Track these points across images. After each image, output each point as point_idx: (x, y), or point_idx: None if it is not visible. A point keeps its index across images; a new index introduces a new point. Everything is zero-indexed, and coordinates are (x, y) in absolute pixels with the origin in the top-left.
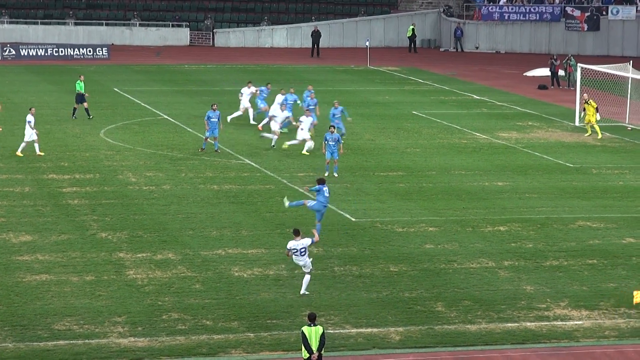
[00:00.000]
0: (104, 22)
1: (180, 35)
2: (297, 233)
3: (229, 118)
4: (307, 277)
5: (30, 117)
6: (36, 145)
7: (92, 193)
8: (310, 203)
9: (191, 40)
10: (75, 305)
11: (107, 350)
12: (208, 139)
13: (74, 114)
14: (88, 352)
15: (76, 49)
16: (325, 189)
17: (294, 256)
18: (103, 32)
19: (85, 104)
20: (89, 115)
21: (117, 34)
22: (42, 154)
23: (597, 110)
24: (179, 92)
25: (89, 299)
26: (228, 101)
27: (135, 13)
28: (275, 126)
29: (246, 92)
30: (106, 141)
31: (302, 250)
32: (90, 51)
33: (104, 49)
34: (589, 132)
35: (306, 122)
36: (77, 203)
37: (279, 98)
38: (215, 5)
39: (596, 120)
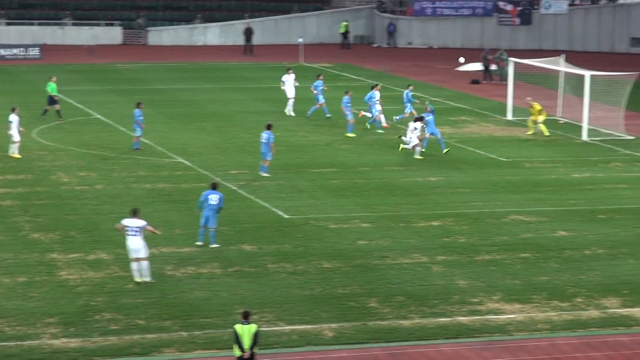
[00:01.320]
0: (36, 21)
1: (113, 34)
2: (134, 212)
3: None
4: (144, 264)
5: (13, 117)
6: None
7: (24, 194)
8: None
9: (124, 39)
10: (7, 307)
11: (40, 352)
12: (139, 138)
13: (44, 113)
14: (20, 354)
15: (8, 49)
16: (213, 196)
17: (127, 237)
18: (35, 31)
19: (57, 106)
20: (59, 116)
21: (49, 34)
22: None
23: (541, 111)
24: (111, 91)
25: (21, 300)
26: (161, 99)
27: (67, 12)
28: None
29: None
30: (38, 141)
31: (137, 230)
32: (22, 51)
33: (36, 48)
34: (532, 130)
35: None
36: (8, 204)
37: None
38: (147, 4)
39: (541, 121)
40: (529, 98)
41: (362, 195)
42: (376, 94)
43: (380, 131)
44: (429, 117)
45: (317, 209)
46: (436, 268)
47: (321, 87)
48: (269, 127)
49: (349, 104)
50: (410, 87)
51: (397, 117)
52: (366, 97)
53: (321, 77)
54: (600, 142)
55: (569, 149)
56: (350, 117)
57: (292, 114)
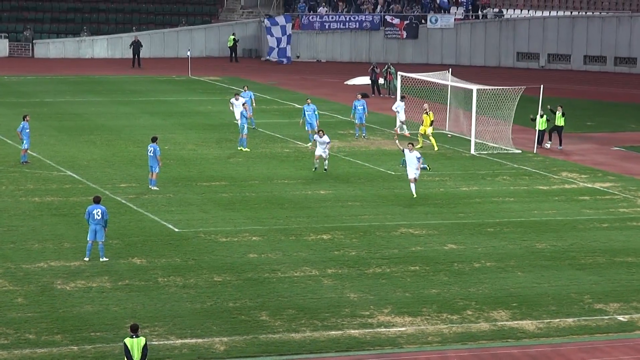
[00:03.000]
0: None
1: None
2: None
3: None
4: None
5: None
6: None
7: None
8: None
9: (10, 51)
10: None
11: None
12: (27, 151)
13: None
14: None
15: None
16: (96, 211)
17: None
18: None
19: None
20: None
21: None
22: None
23: (431, 123)
24: None
25: None
26: (49, 112)
27: None
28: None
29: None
30: None
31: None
32: None
33: None
34: (421, 143)
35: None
36: None
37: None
38: (34, 16)
39: (430, 133)
40: (425, 105)
41: (252, 208)
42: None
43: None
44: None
45: (207, 222)
46: (327, 281)
47: (249, 99)
48: (154, 140)
49: (245, 117)
50: (308, 101)
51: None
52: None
53: (246, 88)
54: (488, 155)
55: (458, 162)
56: (245, 132)
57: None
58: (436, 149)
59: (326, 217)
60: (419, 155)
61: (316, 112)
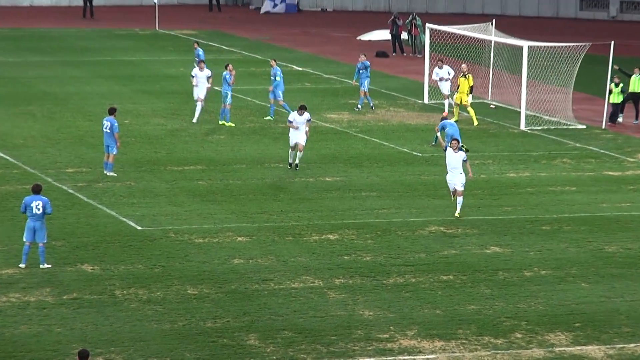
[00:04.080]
0: None
1: None
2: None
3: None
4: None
5: None
6: None
7: None
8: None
9: None
10: None
11: None
12: None
13: None
14: None
15: None
16: (36, 203)
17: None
18: None
19: None
20: None
21: None
22: None
23: (471, 90)
24: None
25: None
26: None
27: None
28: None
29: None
30: None
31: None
32: None
33: None
34: (456, 116)
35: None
36: None
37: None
38: None
39: (469, 103)
40: (464, 66)
41: (237, 200)
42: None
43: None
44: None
45: (179, 219)
46: (333, 294)
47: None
48: (111, 112)
49: (229, 83)
50: (362, 57)
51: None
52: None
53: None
54: (543, 132)
55: (504, 141)
56: (228, 101)
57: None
58: (476, 123)
59: (333, 211)
60: (465, 158)
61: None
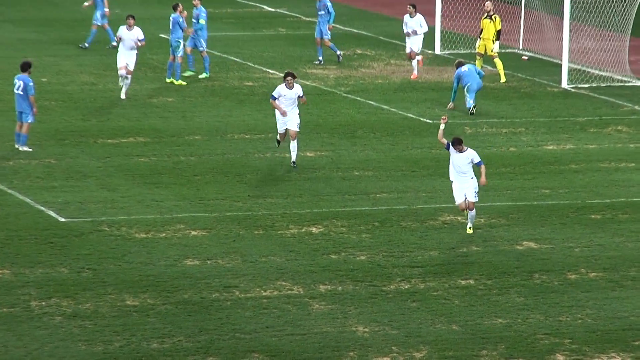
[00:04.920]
0: None
1: None
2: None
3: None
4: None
5: None
6: None
7: None
8: None
9: None
10: None
11: None
12: None
13: None
14: None
15: None
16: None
17: None
18: None
19: None
20: None
21: None
22: None
23: (498, 35)
24: None
25: None
26: None
27: None
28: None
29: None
30: None
31: None
32: None
33: None
34: (479, 63)
35: None
36: None
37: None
38: None
39: (496, 52)
40: (488, 4)
41: (190, 182)
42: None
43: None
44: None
45: (114, 207)
46: (318, 305)
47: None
48: (25, 69)
49: (181, 30)
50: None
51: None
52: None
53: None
54: (591, 91)
55: (540, 103)
56: (179, 52)
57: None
58: (503, 79)
59: (316, 196)
60: (477, 159)
61: None
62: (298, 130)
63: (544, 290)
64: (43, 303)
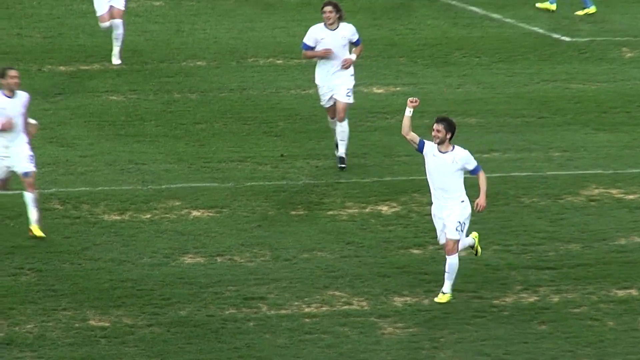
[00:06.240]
0: None
1: None
2: None
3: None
4: None
5: None
6: None
7: None
8: None
9: None
10: None
11: None
12: None
13: None
14: None
15: None
16: None
17: None
18: None
19: None
20: None
21: None
22: None
23: None
24: None
25: None
26: None
27: None
28: None
29: None
30: None
31: None
32: None
33: None
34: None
35: None
36: None
37: None
38: None
39: None
40: None
41: (189, 134)
42: None
43: None
44: None
45: (70, 172)
46: (392, 328)
47: None
48: None
49: None
50: None
51: None
52: None
53: None
54: None
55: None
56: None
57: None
58: (553, 8)
59: (388, 156)
60: (472, 163)
61: None
62: (350, 100)
63: None
64: None
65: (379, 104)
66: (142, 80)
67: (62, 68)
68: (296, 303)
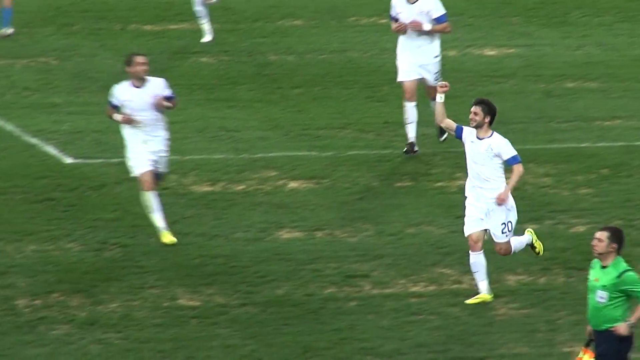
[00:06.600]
0: None
1: None
2: None
3: None
4: None
5: None
6: None
7: None
8: None
9: None
10: None
11: None
12: None
13: None
14: None
15: None
16: None
17: None
18: None
19: None
20: None
21: None
22: None
23: None
24: None
25: None
26: None
27: None
28: None
29: None
30: None
31: None
32: None
33: None
34: None
35: None
36: None
37: None
38: None
39: None
40: None
41: (285, 98)
42: None
43: None
44: None
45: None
46: (505, 309)
47: None
48: None
49: None
50: None
51: None
52: None
53: None
54: None
55: None
56: None
57: None
58: None
59: (501, 123)
60: (509, 152)
61: None
62: (437, 75)
63: None
64: (37, 302)
65: (491, 67)
66: (235, 40)
67: (147, 27)
68: (402, 281)
